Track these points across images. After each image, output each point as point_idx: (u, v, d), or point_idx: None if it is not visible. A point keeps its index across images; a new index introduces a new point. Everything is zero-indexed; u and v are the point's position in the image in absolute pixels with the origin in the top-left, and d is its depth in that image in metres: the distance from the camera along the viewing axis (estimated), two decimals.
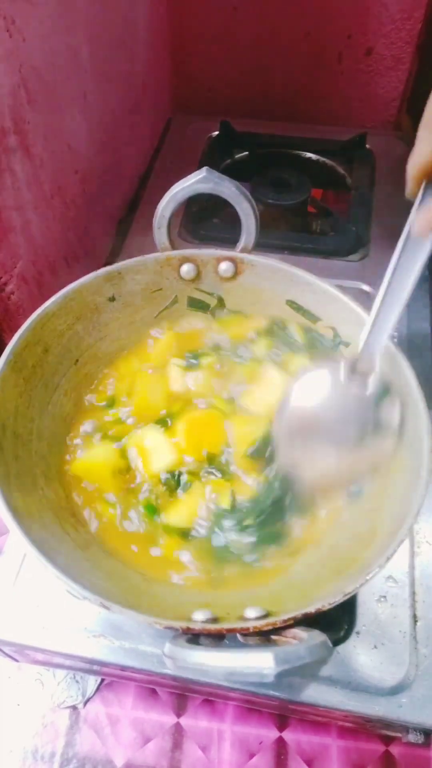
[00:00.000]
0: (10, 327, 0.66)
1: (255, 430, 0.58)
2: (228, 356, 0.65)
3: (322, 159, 1.04)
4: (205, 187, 0.57)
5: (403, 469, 0.52)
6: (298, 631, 0.40)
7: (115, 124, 0.87)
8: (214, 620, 0.44)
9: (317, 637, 0.38)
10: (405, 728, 0.54)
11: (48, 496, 0.54)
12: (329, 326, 0.62)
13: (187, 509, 0.55)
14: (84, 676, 0.70)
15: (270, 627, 0.41)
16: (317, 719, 0.65)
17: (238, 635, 0.42)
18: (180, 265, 0.64)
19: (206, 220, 0.92)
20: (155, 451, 0.57)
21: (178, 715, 0.68)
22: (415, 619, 0.57)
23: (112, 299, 0.64)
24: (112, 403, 0.63)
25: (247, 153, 1.06)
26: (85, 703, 0.69)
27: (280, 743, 0.67)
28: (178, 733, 0.67)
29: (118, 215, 0.97)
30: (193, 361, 0.64)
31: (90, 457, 0.58)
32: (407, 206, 1.01)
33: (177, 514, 0.55)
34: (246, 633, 0.42)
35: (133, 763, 0.66)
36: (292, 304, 0.64)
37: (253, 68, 1.11)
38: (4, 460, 0.50)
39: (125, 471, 0.58)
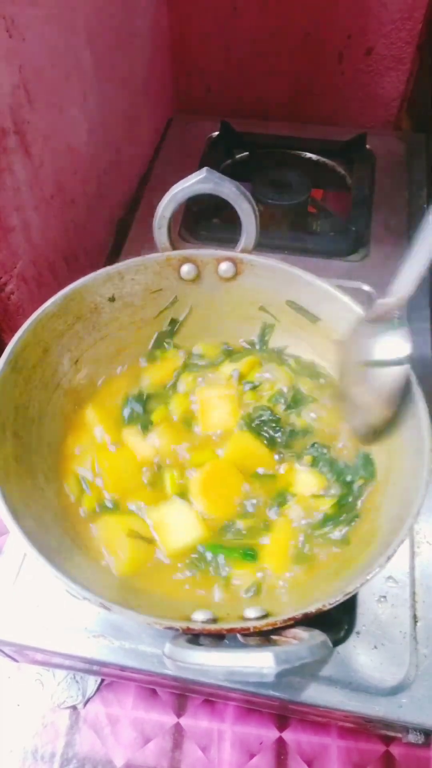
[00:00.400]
0: (10, 327, 0.66)
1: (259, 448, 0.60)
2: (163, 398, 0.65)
3: (322, 159, 1.04)
4: (205, 188, 0.57)
5: (403, 469, 0.52)
6: (298, 631, 0.40)
7: (115, 124, 0.87)
8: (214, 620, 0.44)
9: (317, 637, 0.38)
10: (405, 728, 0.54)
11: (48, 496, 0.54)
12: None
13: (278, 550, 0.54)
14: (84, 676, 0.70)
15: (270, 627, 0.41)
16: (317, 719, 0.65)
17: (238, 635, 0.42)
18: (180, 266, 0.64)
19: (206, 221, 0.92)
20: (178, 527, 0.54)
21: (178, 716, 0.68)
22: (415, 619, 0.57)
23: (112, 299, 0.64)
24: (82, 489, 0.58)
25: (247, 153, 1.06)
26: (85, 704, 0.69)
27: (280, 743, 0.67)
28: (178, 733, 0.67)
29: (118, 215, 0.97)
30: (139, 410, 0.63)
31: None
32: (407, 206, 1.01)
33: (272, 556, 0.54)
34: (246, 633, 0.42)
35: (133, 763, 0.66)
36: (292, 304, 0.64)
37: (253, 68, 1.11)
38: (4, 460, 0.50)
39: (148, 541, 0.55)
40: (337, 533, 0.55)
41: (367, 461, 0.58)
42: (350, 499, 0.56)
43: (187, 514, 0.55)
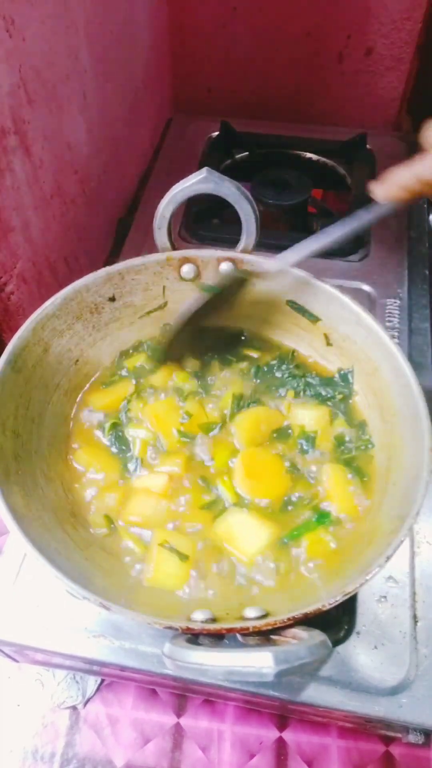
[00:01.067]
0: (10, 327, 0.66)
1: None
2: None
3: (322, 159, 1.04)
4: (206, 188, 0.57)
5: (403, 469, 0.52)
6: (297, 631, 0.40)
7: (115, 124, 0.87)
8: (214, 620, 0.44)
9: (317, 636, 0.38)
10: (405, 728, 0.54)
11: (48, 496, 0.54)
12: None
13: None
14: (84, 676, 0.70)
15: (269, 627, 0.41)
16: (317, 719, 0.65)
17: (238, 635, 0.42)
18: (180, 266, 0.64)
19: (206, 221, 0.92)
20: (246, 533, 0.54)
21: (178, 716, 0.68)
22: (415, 619, 0.57)
23: (112, 299, 0.64)
24: (109, 523, 0.57)
25: (247, 153, 1.06)
26: (85, 704, 0.69)
27: (280, 743, 0.66)
28: (178, 733, 0.67)
29: (118, 215, 0.97)
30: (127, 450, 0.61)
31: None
32: (407, 206, 1.01)
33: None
34: (246, 633, 0.42)
35: (133, 763, 0.66)
36: (292, 304, 0.64)
37: (254, 68, 1.11)
38: (4, 460, 0.50)
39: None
40: (366, 448, 0.60)
41: (343, 377, 0.64)
42: (344, 408, 0.63)
43: (249, 519, 0.55)
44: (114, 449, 0.61)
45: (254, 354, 0.68)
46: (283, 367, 0.66)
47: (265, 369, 0.66)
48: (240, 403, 0.63)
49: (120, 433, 0.62)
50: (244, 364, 0.67)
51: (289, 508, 0.57)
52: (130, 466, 0.60)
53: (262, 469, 0.59)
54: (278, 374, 0.66)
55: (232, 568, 0.53)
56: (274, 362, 0.67)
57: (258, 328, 0.69)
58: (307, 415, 0.62)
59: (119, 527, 0.56)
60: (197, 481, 0.58)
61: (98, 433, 0.62)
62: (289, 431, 0.61)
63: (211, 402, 0.64)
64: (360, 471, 0.58)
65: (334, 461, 0.59)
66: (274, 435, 0.61)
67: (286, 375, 0.66)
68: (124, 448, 0.61)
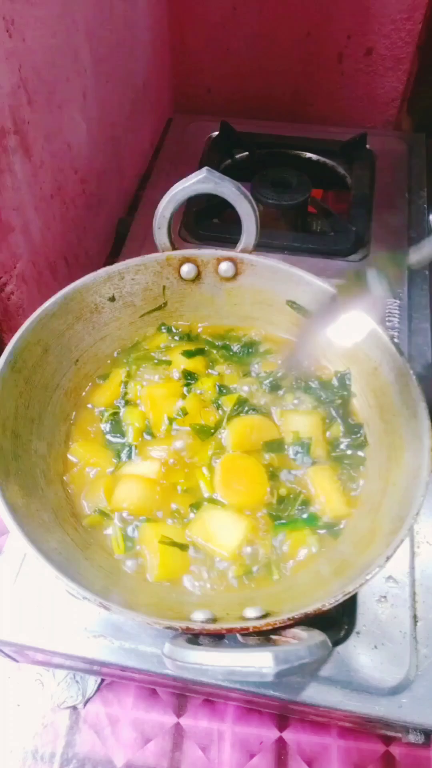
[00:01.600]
0: (10, 327, 0.66)
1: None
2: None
3: (322, 159, 1.04)
4: (206, 188, 0.57)
5: (403, 469, 0.52)
6: (297, 631, 0.40)
7: (115, 124, 0.87)
8: (214, 620, 0.44)
9: (317, 636, 0.38)
10: (405, 728, 0.54)
11: (48, 496, 0.54)
12: None
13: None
14: (84, 676, 0.70)
15: (269, 627, 0.41)
16: (317, 719, 0.65)
17: (238, 635, 0.42)
18: (180, 266, 0.64)
19: (206, 220, 0.92)
20: (223, 529, 0.54)
21: (178, 716, 0.68)
22: (415, 619, 0.57)
23: (112, 299, 0.64)
24: (105, 515, 0.57)
25: (247, 153, 1.06)
26: (85, 704, 0.69)
27: (281, 743, 0.66)
28: (178, 733, 0.67)
29: (118, 215, 0.97)
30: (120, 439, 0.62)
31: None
32: (407, 206, 1.01)
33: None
34: (246, 633, 0.42)
35: (133, 763, 0.66)
36: (292, 304, 0.64)
37: (253, 68, 1.11)
38: (4, 460, 0.50)
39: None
40: (359, 451, 0.59)
41: (340, 379, 0.63)
42: (342, 412, 0.62)
43: (225, 514, 0.55)
44: (109, 437, 0.61)
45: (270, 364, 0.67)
46: (292, 373, 0.65)
47: (277, 378, 0.65)
48: (239, 408, 0.62)
49: (116, 419, 0.62)
50: (261, 373, 0.66)
51: (280, 505, 0.56)
52: (123, 455, 0.60)
53: (242, 475, 0.58)
54: (284, 380, 0.65)
55: (224, 564, 0.53)
56: (281, 370, 0.65)
57: (264, 329, 0.69)
58: (301, 421, 0.61)
59: (109, 514, 0.56)
60: (184, 469, 0.59)
61: (96, 428, 0.62)
62: (283, 445, 0.60)
63: (212, 405, 0.63)
64: (354, 466, 0.58)
65: (325, 465, 0.58)
66: (266, 445, 0.60)
67: (292, 381, 0.64)
68: (118, 434, 0.61)
